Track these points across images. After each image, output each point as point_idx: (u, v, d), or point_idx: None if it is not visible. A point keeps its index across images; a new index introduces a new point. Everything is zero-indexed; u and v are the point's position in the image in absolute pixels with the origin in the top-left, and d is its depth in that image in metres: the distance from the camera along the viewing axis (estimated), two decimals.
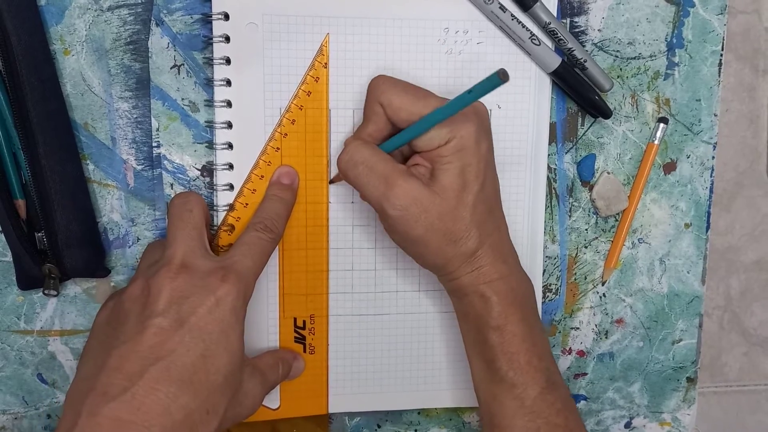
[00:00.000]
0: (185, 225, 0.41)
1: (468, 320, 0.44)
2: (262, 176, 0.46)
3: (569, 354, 0.53)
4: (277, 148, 0.46)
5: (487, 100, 0.47)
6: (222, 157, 0.46)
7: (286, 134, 0.46)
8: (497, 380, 0.43)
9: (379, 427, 0.53)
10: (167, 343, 0.37)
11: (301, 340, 0.49)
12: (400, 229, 0.41)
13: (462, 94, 0.39)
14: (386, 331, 0.50)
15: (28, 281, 0.45)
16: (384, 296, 0.49)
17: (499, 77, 0.36)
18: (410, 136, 0.41)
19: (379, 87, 0.42)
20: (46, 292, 0.45)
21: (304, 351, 0.49)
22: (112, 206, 0.46)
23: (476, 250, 0.42)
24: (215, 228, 0.46)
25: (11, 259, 0.45)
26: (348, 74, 0.46)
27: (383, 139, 0.43)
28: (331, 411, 0.50)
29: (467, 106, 0.39)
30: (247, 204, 0.46)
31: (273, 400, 0.49)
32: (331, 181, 0.47)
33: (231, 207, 0.46)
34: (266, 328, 0.48)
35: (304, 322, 0.49)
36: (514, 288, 0.43)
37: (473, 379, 0.45)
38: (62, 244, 0.44)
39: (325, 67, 0.45)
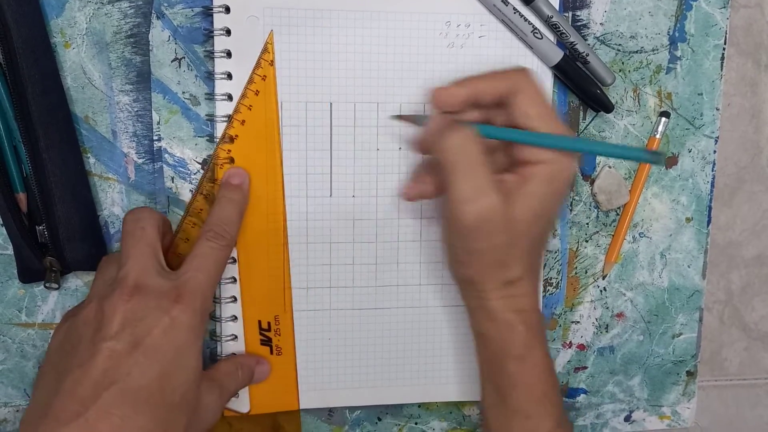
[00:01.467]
0: (138, 242, 0.40)
1: (487, 345, 0.43)
2: (215, 180, 0.45)
3: (569, 348, 0.53)
4: (228, 150, 0.45)
5: None
6: (222, 150, 0.45)
7: (236, 135, 0.45)
8: (511, 410, 0.42)
9: (379, 420, 0.53)
10: (121, 366, 0.36)
11: (266, 342, 0.48)
12: (463, 233, 0.40)
13: (612, 145, 0.39)
14: (386, 325, 0.50)
15: (29, 274, 0.45)
16: (384, 290, 0.49)
17: (652, 159, 0.38)
18: (525, 139, 0.40)
19: (530, 75, 0.40)
20: (47, 285, 0.45)
21: (271, 353, 0.48)
22: (113, 199, 0.46)
23: (517, 279, 0.41)
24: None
25: (12, 252, 0.45)
26: (349, 68, 0.46)
27: (479, 103, 0.41)
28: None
29: (607, 156, 0.39)
30: (201, 209, 0.46)
31: (243, 404, 0.49)
32: (399, 117, 0.44)
33: (186, 212, 0.46)
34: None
35: (269, 323, 0.48)
36: (538, 320, 0.43)
37: (483, 406, 0.44)
38: (63, 237, 0.44)
39: (271, 65, 0.45)
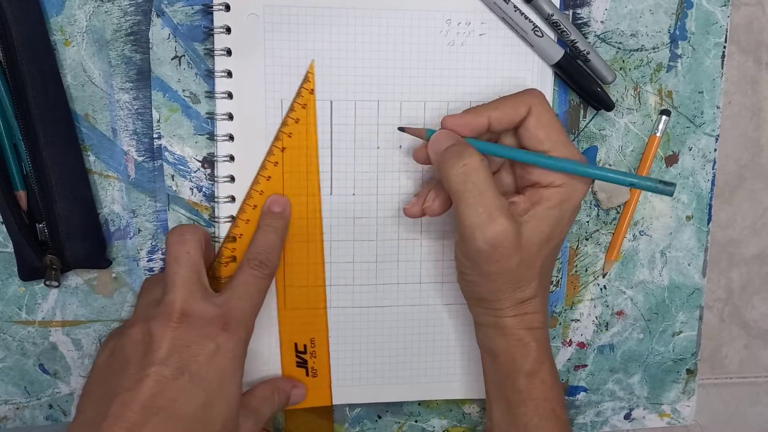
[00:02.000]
0: (183, 268, 0.41)
1: (498, 361, 0.43)
2: (255, 206, 0.46)
3: (569, 345, 0.53)
4: (269, 177, 0.46)
5: (489, 91, 0.47)
6: (223, 148, 0.45)
7: (276, 162, 0.46)
8: (521, 426, 0.43)
9: (379, 417, 0.53)
10: (168, 391, 0.37)
11: (302, 364, 0.49)
12: (475, 260, 0.40)
13: (624, 173, 0.40)
14: (387, 323, 0.50)
15: (29, 272, 0.45)
16: (385, 288, 0.49)
17: (668, 191, 0.39)
18: (537, 161, 0.40)
19: (539, 97, 0.41)
20: (47, 283, 0.45)
21: (307, 375, 0.49)
22: (113, 197, 0.46)
23: (531, 297, 0.42)
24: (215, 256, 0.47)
25: (12, 250, 0.45)
26: (349, 65, 0.46)
27: (492, 131, 0.42)
28: (333, 402, 0.51)
29: (616, 183, 0.40)
30: (241, 235, 0.46)
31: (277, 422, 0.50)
32: (404, 130, 0.44)
33: (226, 238, 0.46)
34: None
35: (305, 346, 0.49)
36: (547, 337, 0.44)
37: (491, 419, 0.45)
38: (63, 235, 0.44)
39: (311, 93, 0.45)
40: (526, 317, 0.42)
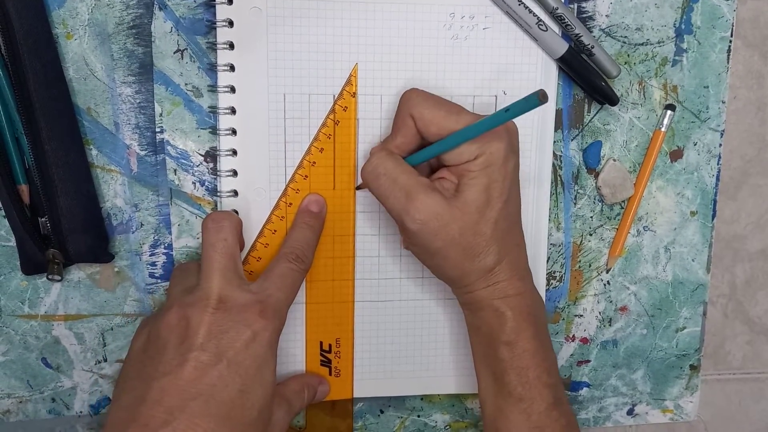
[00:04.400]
0: (220, 255, 0.41)
1: (479, 334, 0.44)
2: (291, 203, 0.46)
3: (573, 341, 0.53)
4: (306, 176, 0.46)
5: (493, 86, 0.47)
6: (225, 142, 0.45)
7: (314, 162, 0.46)
8: (505, 394, 0.43)
9: (382, 412, 0.53)
10: (206, 377, 0.37)
11: (326, 363, 0.49)
12: (419, 242, 0.41)
13: (498, 112, 0.38)
14: (389, 318, 0.50)
15: (31, 266, 0.45)
16: (387, 283, 0.49)
17: (539, 99, 0.36)
18: (439, 150, 0.41)
19: (411, 99, 0.42)
20: (49, 277, 0.45)
21: (330, 374, 0.49)
22: (115, 191, 0.46)
23: (494, 265, 0.42)
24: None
25: (15, 244, 0.45)
26: (353, 60, 0.45)
27: (411, 151, 0.43)
28: (332, 398, 0.51)
29: (501, 124, 0.39)
30: (275, 231, 0.46)
31: (298, 419, 0.50)
32: (358, 187, 0.47)
33: (260, 233, 0.46)
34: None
35: (330, 345, 0.49)
36: (528, 304, 0.43)
37: (480, 393, 0.45)
38: (66, 229, 0.44)
39: (354, 97, 0.45)
40: (497, 286, 0.42)
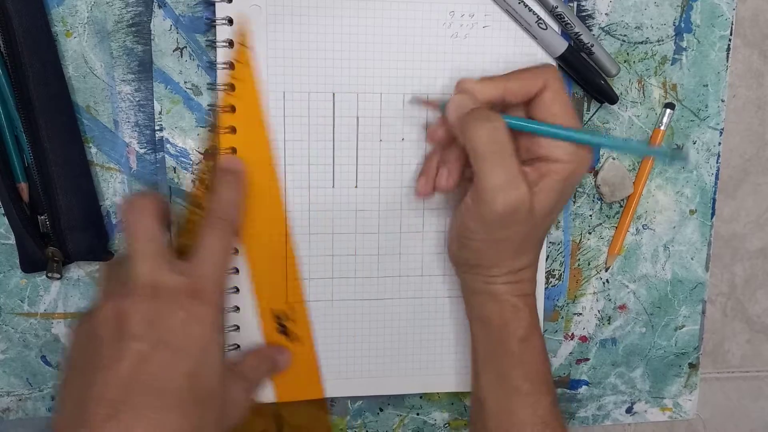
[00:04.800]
0: (141, 239, 0.39)
1: (490, 327, 0.44)
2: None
3: (572, 339, 0.53)
4: (214, 145, 0.45)
5: None
6: (225, 141, 0.45)
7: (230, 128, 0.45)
8: (512, 389, 0.43)
9: (381, 410, 0.53)
10: (148, 366, 0.36)
11: (283, 330, 0.49)
12: (490, 223, 0.40)
13: (639, 142, 0.39)
14: (388, 316, 0.50)
15: (31, 264, 0.45)
16: (386, 281, 0.49)
17: (680, 157, 0.39)
18: (549, 132, 0.41)
19: (552, 72, 0.42)
20: (49, 275, 0.45)
21: (289, 340, 0.49)
22: (114, 190, 0.46)
23: (526, 266, 0.43)
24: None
25: (14, 242, 0.45)
26: (352, 58, 0.45)
27: (506, 103, 0.42)
28: (330, 395, 0.51)
29: (634, 153, 0.41)
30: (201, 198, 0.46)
31: (268, 395, 0.49)
32: (421, 101, 0.45)
33: (186, 201, 0.46)
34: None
35: (284, 312, 0.48)
36: (536, 305, 0.45)
37: (479, 390, 0.45)
38: (65, 227, 0.44)
39: (247, 47, 0.44)
40: (519, 285, 0.43)
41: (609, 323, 0.53)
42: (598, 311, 0.53)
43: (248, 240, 0.46)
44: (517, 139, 0.42)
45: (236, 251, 0.46)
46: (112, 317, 0.38)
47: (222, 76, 0.44)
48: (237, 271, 0.47)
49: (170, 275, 0.39)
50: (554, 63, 0.47)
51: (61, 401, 0.39)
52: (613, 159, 0.50)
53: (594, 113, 0.49)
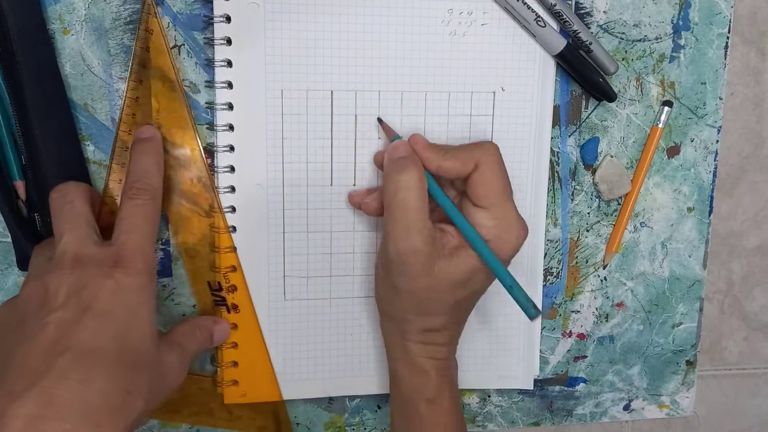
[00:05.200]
0: (68, 218, 0.40)
1: (401, 385, 0.45)
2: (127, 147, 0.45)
3: (569, 337, 0.53)
4: (134, 114, 0.44)
5: (491, 82, 0.47)
6: (223, 138, 0.45)
7: (137, 97, 0.44)
8: None
9: (379, 408, 0.53)
10: (72, 333, 0.36)
11: (221, 302, 0.48)
12: (387, 267, 0.43)
13: (507, 275, 0.42)
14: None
15: (27, 262, 0.45)
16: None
17: (534, 316, 0.41)
18: (458, 222, 0.42)
19: (490, 150, 0.42)
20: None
21: (228, 312, 0.48)
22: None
23: (438, 330, 0.44)
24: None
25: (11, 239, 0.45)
26: (351, 56, 0.45)
27: (446, 175, 0.43)
28: (329, 394, 0.51)
29: (498, 274, 0.42)
30: (121, 180, 0.45)
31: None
32: (380, 122, 0.46)
33: (108, 171, 0.45)
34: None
35: (219, 282, 0.47)
36: (451, 367, 0.46)
37: None
38: None
39: (155, 17, 0.44)
40: (431, 347, 0.44)
41: (607, 321, 0.54)
42: (596, 309, 0.53)
43: (174, 218, 0.46)
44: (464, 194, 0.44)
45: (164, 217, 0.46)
46: (35, 292, 0.38)
47: (220, 73, 0.44)
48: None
49: (94, 247, 0.39)
50: (552, 62, 0.47)
51: None
52: (611, 157, 0.50)
53: (592, 111, 0.49)
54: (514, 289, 0.41)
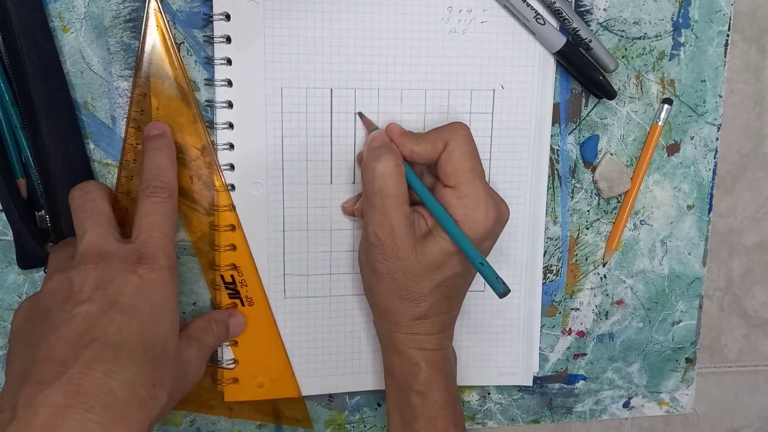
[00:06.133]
0: (91, 215, 0.40)
1: (393, 377, 0.46)
2: (137, 144, 0.45)
3: (569, 334, 0.53)
4: (142, 111, 0.45)
5: (491, 80, 0.47)
6: (223, 136, 0.45)
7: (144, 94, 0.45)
8: None
9: (379, 405, 0.53)
10: (98, 325, 0.36)
11: (235, 295, 0.48)
12: (368, 253, 0.43)
13: (475, 253, 0.41)
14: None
15: (28, 260, 0.45)
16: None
17: (502, 293, 0.41)
18: (431, 207, 0.42)
19: (460, 132, 0.43)
20: (47, 271, 0.45)
21: (243, 305, 0.48)
22: (112, 186, 0.46)
23: (423, 317, 0.43)
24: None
25: (12, 238, 0.45)
26: (350, 54, 0.45)
27: (420, 160, 0.43)
28: (328, 391, 0.51)
29: (467, 252, 0.42)
30: (132, 177, 0.45)
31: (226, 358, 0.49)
32: (361, 116, 0.46)
33: (119, 168, 0.45)
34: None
35: (232, 276, 0.48)
36: (443, 359, 0.45)
37: (389, 429, 0.47)
38: (65, 223, 0.44)
39: (160, 13, 0.44)
40: (416, 337, 0.44)
41: (606, 318, 0.54)
42: (596, 306, 0.53)
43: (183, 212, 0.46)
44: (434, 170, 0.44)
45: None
46: (59, 288, 0.38)
47: (220, 71, 0.44)
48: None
49: (117, 244, 0.40)
50: (552, 59, 0.47)
51: (7, 372, 0.38)
52: (611, 155, 0.50)
53: (592, 108, 0.49)
54: (484, 267, 0.41)
